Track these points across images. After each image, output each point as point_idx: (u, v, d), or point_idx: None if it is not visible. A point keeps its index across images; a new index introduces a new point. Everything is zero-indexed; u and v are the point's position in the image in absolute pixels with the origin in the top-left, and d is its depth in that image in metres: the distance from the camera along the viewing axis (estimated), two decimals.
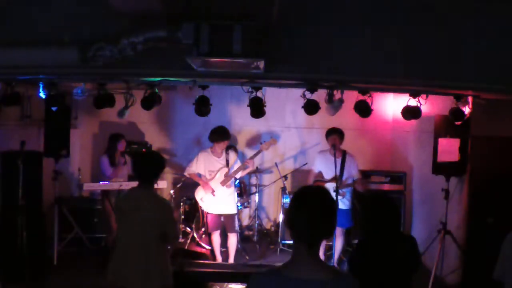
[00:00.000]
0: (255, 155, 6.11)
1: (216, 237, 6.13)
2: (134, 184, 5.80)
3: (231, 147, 6.56)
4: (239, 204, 6.69)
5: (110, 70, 4.29)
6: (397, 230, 3.09)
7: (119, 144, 6.41)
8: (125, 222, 3.69)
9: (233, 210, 6.09)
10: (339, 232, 5.84)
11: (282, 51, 4.04)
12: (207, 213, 6.12)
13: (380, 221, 3.00)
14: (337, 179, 5.50)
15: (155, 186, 5.89)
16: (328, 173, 5.88)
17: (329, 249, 6.24)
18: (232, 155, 6.10)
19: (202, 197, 6.06)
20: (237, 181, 6.43)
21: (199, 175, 6.06)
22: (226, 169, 5.99)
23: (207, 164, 6.02)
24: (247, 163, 6.00)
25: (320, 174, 5.98)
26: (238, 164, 6.03)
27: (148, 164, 3.78)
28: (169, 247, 3.95)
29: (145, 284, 3.57)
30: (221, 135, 5.93)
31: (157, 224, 3.61)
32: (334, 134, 5.83)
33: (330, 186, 5.50)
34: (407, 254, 3.04)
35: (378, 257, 2.95)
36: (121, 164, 6.44)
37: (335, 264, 5.86)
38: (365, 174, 6.58)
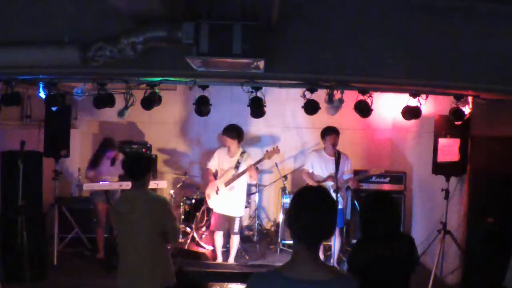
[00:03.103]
0: (258, 162, 6.08)
1: (218, 237, 6.15)
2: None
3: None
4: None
5: (110, 70, 4.29)
6: (396, 229, 3.09)
7: (108, 153, 6.24)
8: (123, 224, 3.66)
9: (235, 213, 6.09)
10: (336, 232, 5.84)
11: (282, 51, 4.03)
12: (213, 211, 6.16)
13: (379, 220, 3.00)
14: (335, 177, 5.51)
15: (155, 185, 5.99)
16: (323, 172, 5.90)
17: (328, 249, 6.24)
18: (245, 159, 6.05)
19: (209, 193, 6.13)
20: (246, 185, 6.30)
21: (216, 172, 6.15)
22: (233, 171, 6.00)
23: (221, 162, 6.11)
24: (249, 170, 5.94)
25: (313, 174, 5.98)
26: (243, 168, 5.99)
27: (135, 164, 3.74)
28: (168, 247, 3.93)
29: (149, 285, 3.55)
30: (226, 130, 6.03)
31: (155, 223, 3.57)
32: (334, 134, 5.85)
33: (328, 185, 5.50)
34: (406, 253, 3.04)
35: (377, 256, 2.95)
36: (105, 166, 6.24)
37: (335, 264, 5.86)
38: (357, 173, 6.57)
